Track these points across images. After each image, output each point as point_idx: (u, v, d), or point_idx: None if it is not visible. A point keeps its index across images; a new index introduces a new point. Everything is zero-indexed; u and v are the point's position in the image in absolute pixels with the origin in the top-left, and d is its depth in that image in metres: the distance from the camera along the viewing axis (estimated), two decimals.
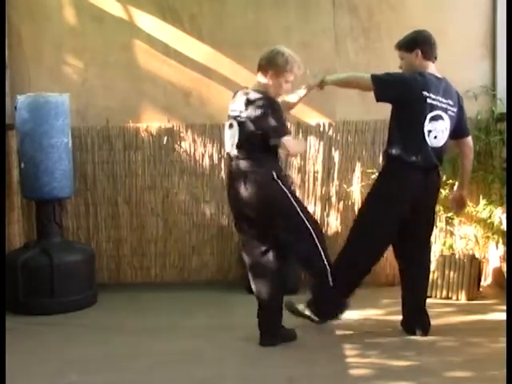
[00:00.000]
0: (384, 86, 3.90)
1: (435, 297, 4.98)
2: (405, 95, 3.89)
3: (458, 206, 4.35)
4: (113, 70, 5.49)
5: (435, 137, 3.91)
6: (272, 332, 3.97)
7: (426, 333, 4.08)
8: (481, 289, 5.07)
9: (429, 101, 3.87)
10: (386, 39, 5.37)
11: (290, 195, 3.93)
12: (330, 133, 5.40)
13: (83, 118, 5.48)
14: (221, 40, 5.40)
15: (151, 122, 5.51)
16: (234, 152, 3.88)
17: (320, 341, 4.06)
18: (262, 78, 3.88)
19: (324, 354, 3.86)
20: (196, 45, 5.45)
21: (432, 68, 4.01)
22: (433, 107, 3.88)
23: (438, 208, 5.18)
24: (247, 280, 4.22)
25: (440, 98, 3.90)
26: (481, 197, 5.16)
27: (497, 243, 5.15)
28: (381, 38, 5.37)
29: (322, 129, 5.41)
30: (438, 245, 5.23)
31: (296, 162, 5.44)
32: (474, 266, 4.96)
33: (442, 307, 4.78)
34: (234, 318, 4.55)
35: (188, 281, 5.58)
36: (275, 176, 3.87)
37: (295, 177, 5.47)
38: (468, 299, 4.91)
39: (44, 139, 4.80)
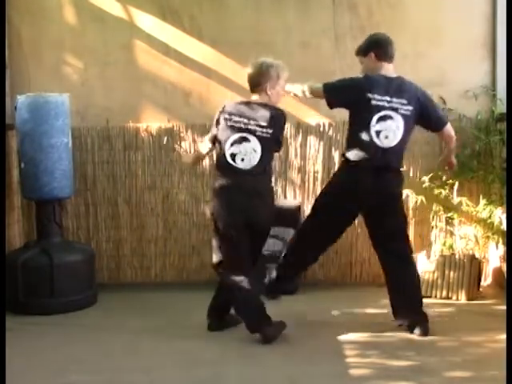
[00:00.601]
0: (333, 94, 4.10)
1: (435, 297, 4.98)
2: (351, 99, 4.06)
3: (449, 166, 4.48)
4: (113, 70, 5.50)
5: (386, 136, 4.01)
6: (262, 329, 3.98)
7: (425, 333, 4.08)
8: (481, 289, 5.07)
9: (373, 102, 3.99)
10: None
11: None
12: (330, 133, 5.41)
13: (83, 118, 5.49)
14: (221, 40, 5.40)
15: (151, 122, 5.51)
16: (249, 166, 3.96)
17: (320, 340, 4.06)
18: (260, 93, 4.03)
19: (324, 353, 3.86)
20: (196, 45, 5.45)
21: (388, 68, 4.12)
22: (379, 108, 4.00)
23: (438, 208, 5.21)
24: None
25: (388, 98, 4.01)
26: (481, 197, 5.16)
27: (497, 243, 5.15)
28: None
29: (321, 129, 5.41)
30: (438, 245, 5.24)
31: (296, 161, 5.45)
32: (474, 266, 4.96)
33: (442, 307, 4.78)
34: None
35: (188, 281, 5.58)
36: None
37: (295, 177, 5.48)
38: (468, 299, 4.91)
39: (44, 139, 4.80)
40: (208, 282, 5.30)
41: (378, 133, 3.99)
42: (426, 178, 5.23)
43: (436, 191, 5.19)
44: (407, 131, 4.07)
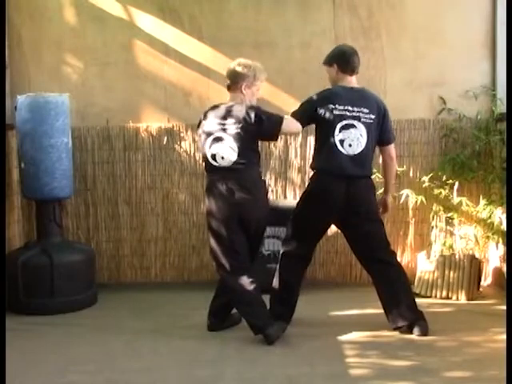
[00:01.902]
0: (298, 117, 4.18)
1: (435, 297, 4.99)
2: (314, 114, 4.12)
3: (383, 209, 4.44)
4: (113, 70, 5.50)
5: (350, 145, 4.09)
6: (265, 330, 3.97)
7: (424, 333, 4.08)
8: (481, 289, 5.07)
9: (336, 112, 4.08)
10: (386, 39, 5.39)
11: None
12: None
13: (83, 118, 5.49)
14: (221, 40, 5.40)
15: (151, 122, 5.51)
16: (230, 163, 4.04)
17: (320, 340, 4.06)
18: (235, 93, 4.14)
19: (324, 353, 3.86)
20: (196, 45, 5.46)
21: (349, 80, 4.19)
22: (342, 117, 4.08)
23: (438, 208, 5.21)
24: None
25: (349, 108, 4.08)
26: (481, 197, 5.17)
27: (497, 243, 5.15)
28: (381, 37, 5.38)
29: None
30: (438, 245, 5.23)
31: (296, 161, 5.45)
32: (474, 266, 4.96)
33: (442, 307, 4.78)
34: None
35: (188, 281, 5.59)
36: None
37: (295, 177, 5.48)
38: (468, 299, 4.92)
39: (44, 139, 4.79)
40: (208, 282, 5.31)
41: (341, 141, 4.08)
42: (425, 178, 5.23)
43: (436, 191, 5.19)
44: (371, 139, 4.14)
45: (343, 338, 4.12)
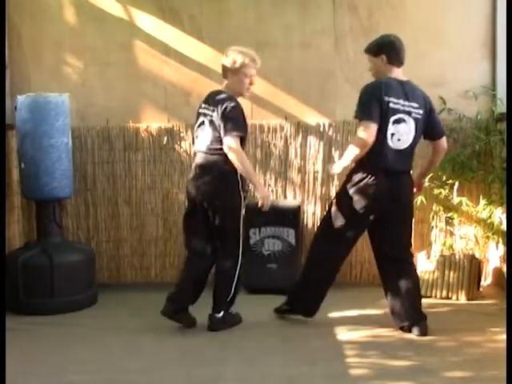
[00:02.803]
0: (371, 115, 3.95)
1: (435, 297, 4.99)
2: (379, 106, 3.96)
3: (417, 189, 4.41)
4: (113, 70, 5.50)
5: (399, 139, 4.02)
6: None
7: (424, 333, 4.08)
8: (481, 289, 5.07)
9: (391, 105, 3.98)
10: None
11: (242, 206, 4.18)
12: (330, 133, 5.40)
13: (83, 118, 5.49)
14: (221, 40, 5.39)
15: (151, 122, 5.52)
16: (203, 147, 4.15)
17: (320, 341, 4.06)
18: (227, 79, 4.20)
19: (324, 353, 3.86)
20: (196, 45, 5.46)
21: (397, 72, 4.10)
22: (395, 111, 3.99)
23: (438, 208, 5.21)
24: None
25: (402, 102, 4.00)
26: (481, 197, 5.16)
27: (497, 243, 5.15)
28: None
29: (321, 129, 5.41)
30: (438, 245, 5.23)
31: (296, 161, 5.45)
32: (474, 265, 4.96)
33: (442, 307, 4.78)
34: None
35: None
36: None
37: (295, 177, 5.47)
38: (468, 299, 4.92)
39: (44, 139, 4.80)
40: (208, 281, 5.31)
41: (392, 135, 3.99)
42: (425, 178, 5.23)
43: (436, 191, 5.19)
44: (418, 134, 4.08)
45: (343, 337, 4.12)
